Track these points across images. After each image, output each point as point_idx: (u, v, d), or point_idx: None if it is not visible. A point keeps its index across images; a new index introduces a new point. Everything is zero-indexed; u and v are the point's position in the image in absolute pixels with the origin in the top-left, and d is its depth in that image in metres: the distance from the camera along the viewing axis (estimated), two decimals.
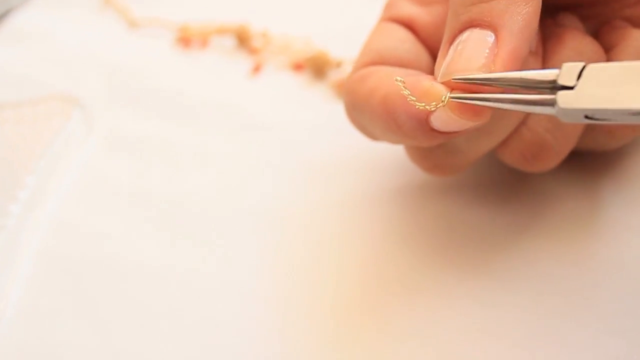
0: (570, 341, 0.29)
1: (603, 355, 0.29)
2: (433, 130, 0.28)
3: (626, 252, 0.31)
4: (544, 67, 0.30)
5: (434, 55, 0.29)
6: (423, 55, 0.33)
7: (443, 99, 0.26)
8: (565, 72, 0.25)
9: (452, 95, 0.26)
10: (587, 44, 0.30)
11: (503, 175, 0.33)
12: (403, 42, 0.33)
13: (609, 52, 0.31)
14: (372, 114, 0.30)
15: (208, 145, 0.42)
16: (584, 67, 0.24)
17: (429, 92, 0.27)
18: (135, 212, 0.39)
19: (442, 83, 0.27)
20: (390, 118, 0.29)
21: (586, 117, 0.24)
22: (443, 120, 0.27)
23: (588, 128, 0.31)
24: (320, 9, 0.50)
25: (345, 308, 0.33)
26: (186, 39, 0.50)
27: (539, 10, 0.27)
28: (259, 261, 0.35)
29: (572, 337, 0.29)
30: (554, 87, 0.25)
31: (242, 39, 0.49)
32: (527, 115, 0.30)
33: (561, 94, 0.24)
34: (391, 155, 0.38)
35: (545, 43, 0.31)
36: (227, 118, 0.44)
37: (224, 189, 0.40)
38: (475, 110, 0.26)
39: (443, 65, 0.27)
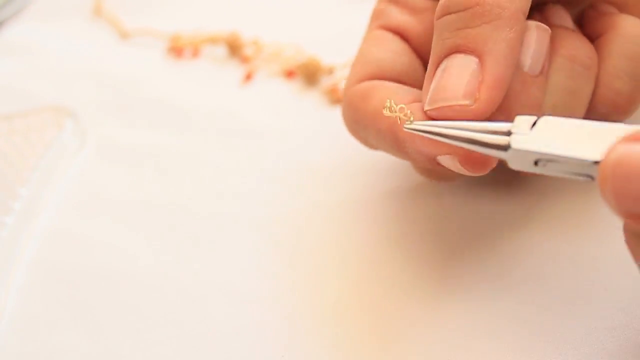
0: (566, 338, 0.29)
1: (599, 352, 0.29)
2: (439, 163, 0.29)
3: (621, 249, 0.32)
4: None
5: (426, 65, 0.30)
6: (418, 68, 0.33)
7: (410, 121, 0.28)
8: (519, 124, 0.26)
9: (407, 126, 0.28)
10: (576, 46, 0.30)
11: (497, 175, 0.33)
12: (400, 55, 0.33)
13: (595, 41, 0.31)
14: (378, 136, 0.31)
15: (201, 154, 0.43)
16: (537, 120, 0.25)
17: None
18: (128, 221, 0.39)
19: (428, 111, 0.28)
20: (399, 146, 0.29)
21: (535, 163, 0.25)
22: (450, 164, 0.28)
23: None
24: (310, 16, 0.51)
25: (343, 309, 0.33)
26: (178, 49, 0.50)
27: (522, 35, 0.28)
28: (254, 267, 0.35)
29: (568, 335, 0.29)
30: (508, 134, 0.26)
31: (234, 48, 0.49)
32: None
33: (515, 136, 0.25)
34: (384, 159, 0.38)
35: None
36: (220, 126, 0.44)
37: (218, 196, 0.40)
38: (479, 165, 0.27)
39: (430, 91, 0.28)
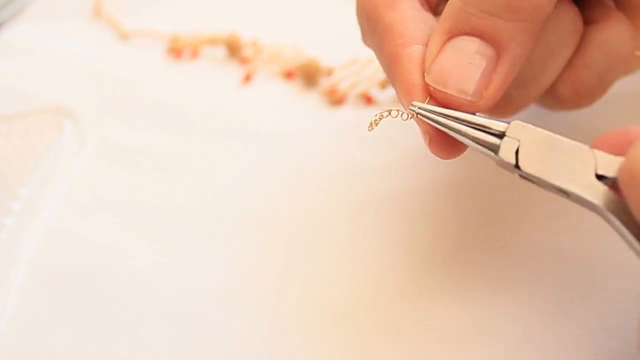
0: (565, 339, 0.29)
1: (597, 352, 0.29)
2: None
3: (620, 250, 0.32)
4: None
5: None
6: None
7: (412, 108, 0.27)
8: (513, 128, 0.26)
9: (414, 103, 0.27)
10: (567, 10, 0.30)
11: (494, 176, 0.33)
12: None
13: (587, 26, 0.31)
14: (379, 53, 0.30)
15: (200, 154, 0.43)
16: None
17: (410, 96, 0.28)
18: (127, 221, 0.39)
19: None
20: (387, 72, 0.29)
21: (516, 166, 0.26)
22: (421, 132, 0.28)
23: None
24: (309, 17, 0.51)
25: (343, 310, 0.33)
26: (177, 50, 0.50)
27: (535, 43, 0.28)
28: (254, 267, 0.36)
29: (567, 335, 0.30)
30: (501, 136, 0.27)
31: (233, 49, 0.49)
32: None
33: (503, 147, 0.26)
34: (384, 160, 0.38)
35: None
36: (219, 127, 0.44)
37: (217, 196, 0.40)
38: (446, 149, 0.28)
39: (436, 67, 0.27)
